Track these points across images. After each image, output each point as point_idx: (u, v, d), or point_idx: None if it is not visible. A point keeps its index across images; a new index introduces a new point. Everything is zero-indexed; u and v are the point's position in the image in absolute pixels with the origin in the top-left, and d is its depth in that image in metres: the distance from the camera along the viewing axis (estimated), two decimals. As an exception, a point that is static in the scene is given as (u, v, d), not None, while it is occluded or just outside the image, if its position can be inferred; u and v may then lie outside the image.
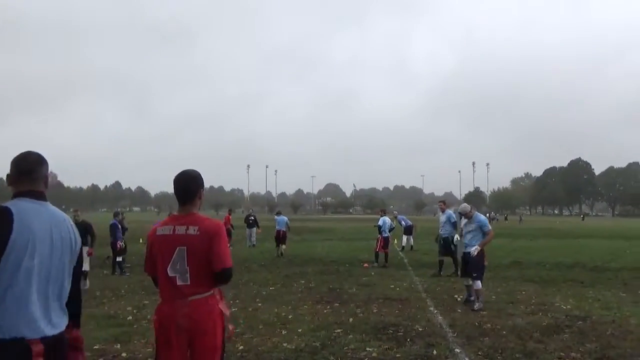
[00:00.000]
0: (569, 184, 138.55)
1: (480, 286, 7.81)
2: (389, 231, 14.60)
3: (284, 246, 17.41)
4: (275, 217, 18.69)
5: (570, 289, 9.70)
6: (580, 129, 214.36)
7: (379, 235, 14.30)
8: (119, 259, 12.49)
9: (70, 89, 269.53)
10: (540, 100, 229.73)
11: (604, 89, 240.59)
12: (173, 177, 3.00)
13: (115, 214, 13.76)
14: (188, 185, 2.99)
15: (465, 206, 8.57)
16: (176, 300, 2.85)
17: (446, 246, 12.11)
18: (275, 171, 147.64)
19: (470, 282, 7.96)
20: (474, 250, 7.82)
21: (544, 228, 42.74)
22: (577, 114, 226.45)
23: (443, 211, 12.55)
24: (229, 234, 20.80)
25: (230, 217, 22.17)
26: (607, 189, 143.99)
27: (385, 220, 14.57)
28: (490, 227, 8.14)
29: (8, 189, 2.33)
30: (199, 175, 3.04)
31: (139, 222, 37.71)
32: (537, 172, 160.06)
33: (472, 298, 7.94)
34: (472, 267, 7.88)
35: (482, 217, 8.33)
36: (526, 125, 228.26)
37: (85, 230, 9.79)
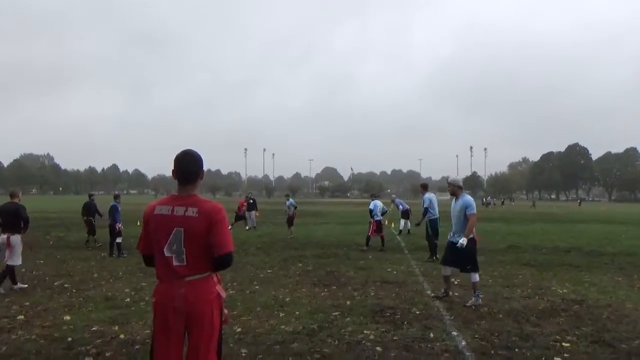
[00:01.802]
0: (566, 169, 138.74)
1: (478, 278, 6.97)
2: (382, 214, 14.63)
3: (293, 227, 18.26)
4: (286, 200, 19.44)
5: (566, 273, 9.74)
6: (578, 114, 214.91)
7: (370, 219, 14.34)
8: (118, 240, 12.52)
9: (70, 73, 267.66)
10: (538, 86, 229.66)
11: (602, 74, 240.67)
12: (173, 158, 2.93)
13: (116, 197, 13.79)
14: (190, 165, 2.93)
15: (457, 179, 7.39)
16: (173, 280, 2.83)
17: (425, 230, 12.39)
18: (273, 154, 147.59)
19: (449, 273, 7.32)
20: (462, 242, 6.79)
21: (552, 213, 42.60)
22: (575, 100, 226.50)
23: (423, 195, 12.68)
24: (243, 218, 21.53)
25: (245, 203, 22.23)
26: (604, 174, 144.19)
27: (377, 204, 14.59)
28: (474, 211, 6.99)
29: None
30: (200, 156, 2.99)
31: (137, 205, 37.65)
32: (535, 157, 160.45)
33: (449, 292, 7.36)
34: (466, 260, 6.93)
35: (468, 197, 7.17)
36: (524, 111, 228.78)
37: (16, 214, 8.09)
